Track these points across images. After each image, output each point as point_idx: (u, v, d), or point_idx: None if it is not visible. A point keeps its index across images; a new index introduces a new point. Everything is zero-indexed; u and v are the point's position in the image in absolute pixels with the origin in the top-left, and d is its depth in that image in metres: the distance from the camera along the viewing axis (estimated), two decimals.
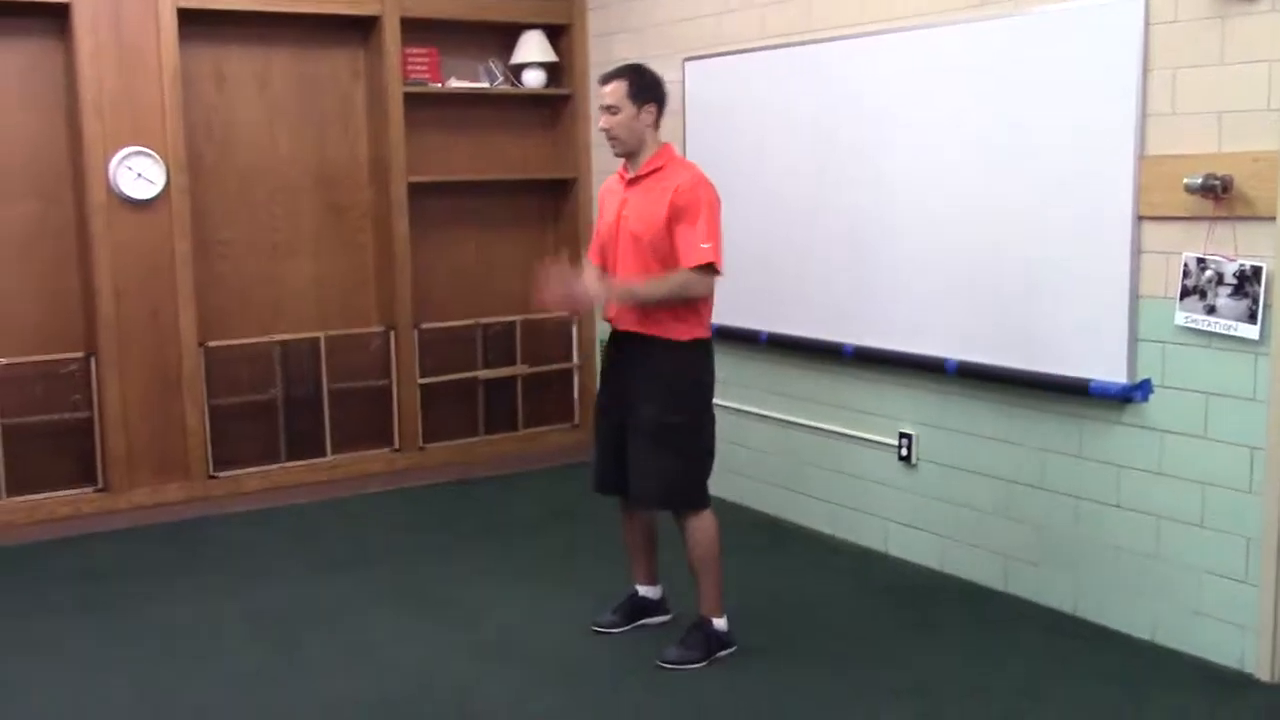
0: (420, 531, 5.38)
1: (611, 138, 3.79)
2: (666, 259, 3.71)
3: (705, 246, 3.64)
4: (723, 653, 3.87)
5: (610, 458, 3.95)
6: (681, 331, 3.76)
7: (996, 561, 4.44)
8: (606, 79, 3.81)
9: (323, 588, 4.64)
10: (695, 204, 3.67)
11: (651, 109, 3.78)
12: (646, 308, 3.73)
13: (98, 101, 5.24)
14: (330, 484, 5.91)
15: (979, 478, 4.48)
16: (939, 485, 4.65)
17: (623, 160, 3.88)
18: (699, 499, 3.83)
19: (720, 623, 3.89)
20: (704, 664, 3.82)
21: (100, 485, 5.44)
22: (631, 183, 3.83)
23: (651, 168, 3.79)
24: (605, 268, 3.90)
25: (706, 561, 3.84)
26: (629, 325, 3.81)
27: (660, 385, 3.76)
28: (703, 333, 3.81)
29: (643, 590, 4.17)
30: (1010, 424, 4.35)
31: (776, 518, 5.37)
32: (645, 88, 3.77)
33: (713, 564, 3.85)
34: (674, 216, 3.68)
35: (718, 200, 3.74)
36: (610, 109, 3.76)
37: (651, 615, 4.16)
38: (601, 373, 4.05)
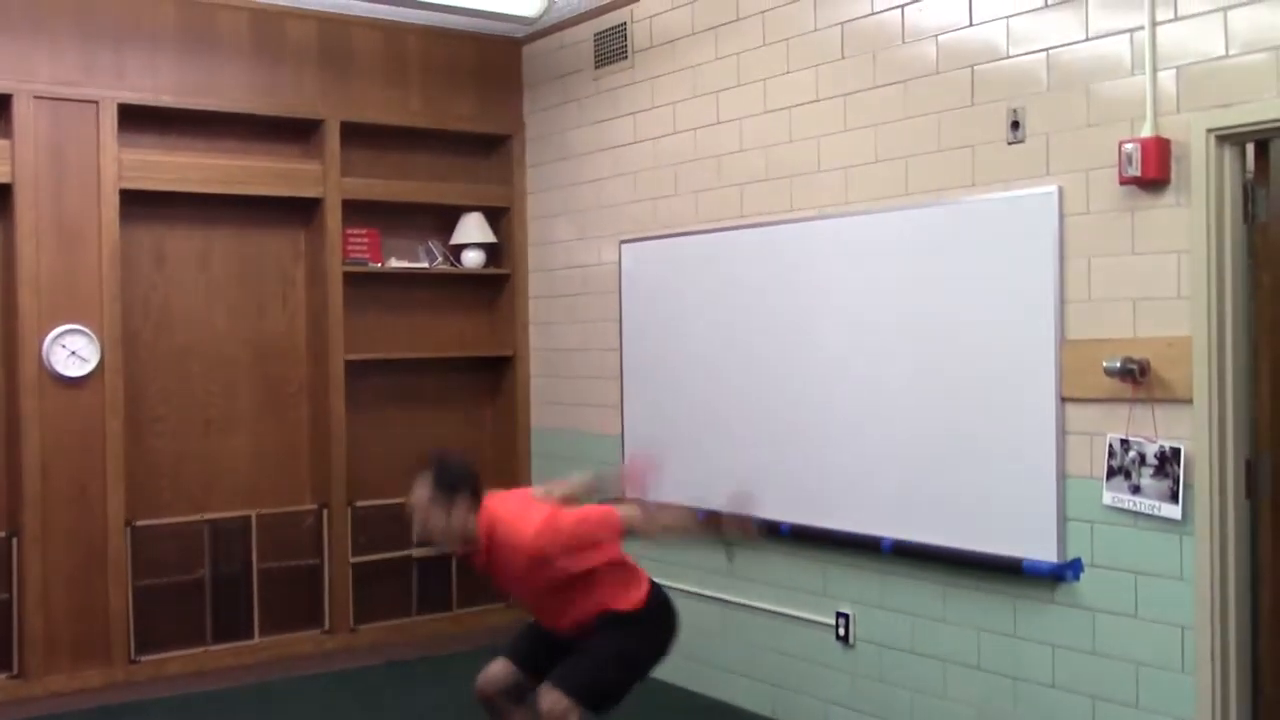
0: (352, 717, 5.22)
1: (429, 540, 3.75)
2: (576, 574, 3.66)
3: (606, 542, 3.64)
4: None
5: (533, 644, 3.89)
6: (619, 608, 3.75)
7: None
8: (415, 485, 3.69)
9: None
10: (556, 548, 3.59)
11: (464, 499, 3.64)
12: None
13: (35, 279, 5.24)
14: (258, 667, 5.74)
15: (917, 658, 4.46)
16: (877, 666, 4.62)
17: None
18: (592, 701, 3.69)
19: None
20: None
21: (15, 671, 5.24)
22: (487, 559, 3.73)
23: (488, 542, 3.67)
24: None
25: None
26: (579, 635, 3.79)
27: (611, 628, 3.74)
28: (636, 601, 3.78)
29: None
30: (946, 603, 4.36)
31: (716, 700, 5.28)
32: (450, 481, 3.64)
33: None
34: (556, 570, 3.62)
35: (558, 525, 3.61)
36: (421, 512, 3.66)
37: None
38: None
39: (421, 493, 3.64)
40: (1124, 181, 3.71)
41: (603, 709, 3.71)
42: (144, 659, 5.48)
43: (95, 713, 5.24)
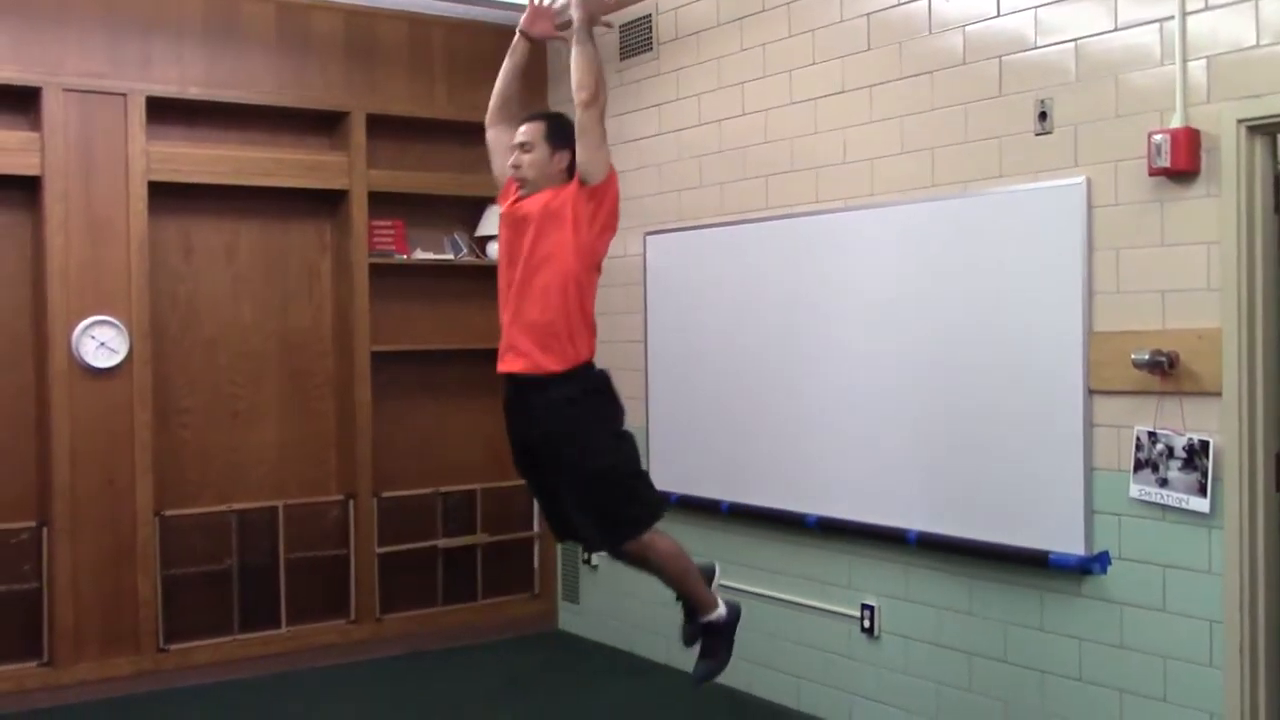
0: (377, 706, 5.25)
1: (519, 176, 3.82)
2: (570, 265, 3.71)
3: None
4: (738, 627, 3.91)
5: (552, 509, 3.94)
6: (569, 355, 3.73)
7: None
8: (525, 120, 3.87)
9: None
10: (611, 200, 3.76)
11: (565, 156, 3.80)
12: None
13: (64, 271, 5.28)
14: (284, 656, 5.77)
15: (942, 650, 4.45)
16: (902, 658, 4.61)
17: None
18: (646, 521, 3.74)
19: (720, 611, 3.87)
20: (731, 657, 3.86)
21: (45, 659, 5.29)
22: (531, 208, 3.81)
23: (557, 191, 3.79)
24: (506, 287, 3.88)
25: (679, 566, 3.77)
26: (517, 366, 3.78)
27: (564, 433, 3.73)
28: (585, 354, 3.79)
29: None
30: (972, 596, 4.35)
31: (740, 691, 5.28)
32: (564, 135, 3.80)
33: (685, 566, 3.79)
34: (605, 211, 3.75)
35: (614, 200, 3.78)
36: (524, 146, 3.81)
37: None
38: (508, 431, 3.96)
39: (534, 132, 3.79)
40: (1153, 173, 3.68)
41: (651, 515, 3.77)
42: (172, 648, 5.53)
43: (124, 700, 5.29)
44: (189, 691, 5.43)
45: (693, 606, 3.96)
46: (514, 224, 3.84)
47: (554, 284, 3.73)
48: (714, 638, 3.86)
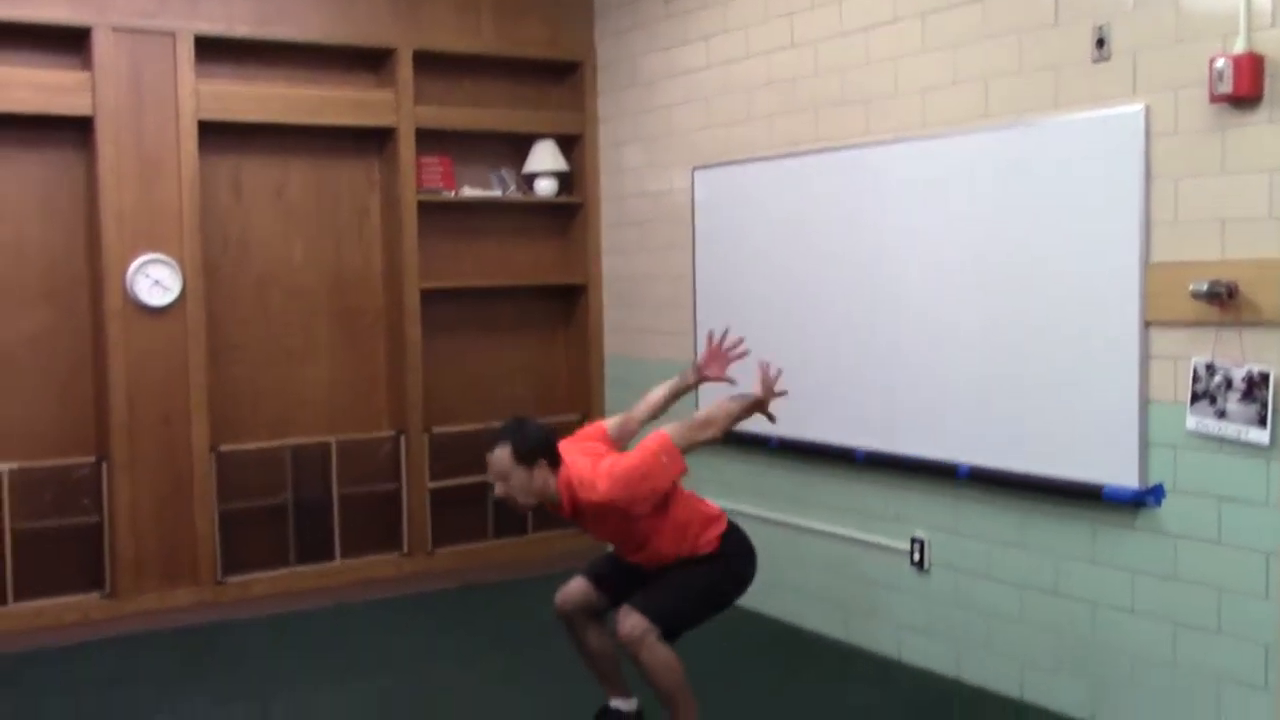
0: (429, 638, 5.34)
1: (518, 507, 3.76)
2: (655, 509, 3.72)
3: (664, 469, 3.66)
4: None
5: (615, 572, 3.95)
6: (700, 547, 3.82)
7: (1012, 669, 4.40)
8: (491, 447, 3.71)
9: (330, 697, 4.59)
10: (629, 491, 3.62)
11: (543, 464, 3.67)
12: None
13: (118, 210, 5.34)
14: (339, 589, 5.88)
15: (992, 583, 4.46)
16: (952, 591, 4.62)
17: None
18: (669, 625, 3.74)
19: None
20: None
21: (108, 591, 5.42)
22: (574, 517, 3.80)
23: (570, 499, 3.71)
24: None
25: (676, 684, 3.71)
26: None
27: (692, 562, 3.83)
28: (711, 547, 3.83)
29: (616, 703, 4.08)
30: (1023, 529, 4.34)
31: (791, 624, 5.32)
32: (530, 449, 3.66)
33: (682, 686, 3.73)
34: (635, 505, 3.66)
35: (618, 474, 3.64)
36: (500, 477, 3.68)
37: None
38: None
39: (502, 462, 3.67)
40: (1214, 100, 3.61)
41: (677, 635, 3.76)
42: (230, 580, 5.64)
43: (185, 631, 5.41)
44: (247, 622, 5.54)
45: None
46: (585, 526, 3.87)
47: (660, 545, 3.79)
48: None
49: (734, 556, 3.89)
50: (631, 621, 3.66)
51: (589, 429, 4.10)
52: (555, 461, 3.71)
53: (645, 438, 3.76)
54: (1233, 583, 3.68)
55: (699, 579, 3.81)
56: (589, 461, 3.74)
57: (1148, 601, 3.93)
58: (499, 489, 3.71)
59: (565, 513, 3.77)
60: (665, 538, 3.78)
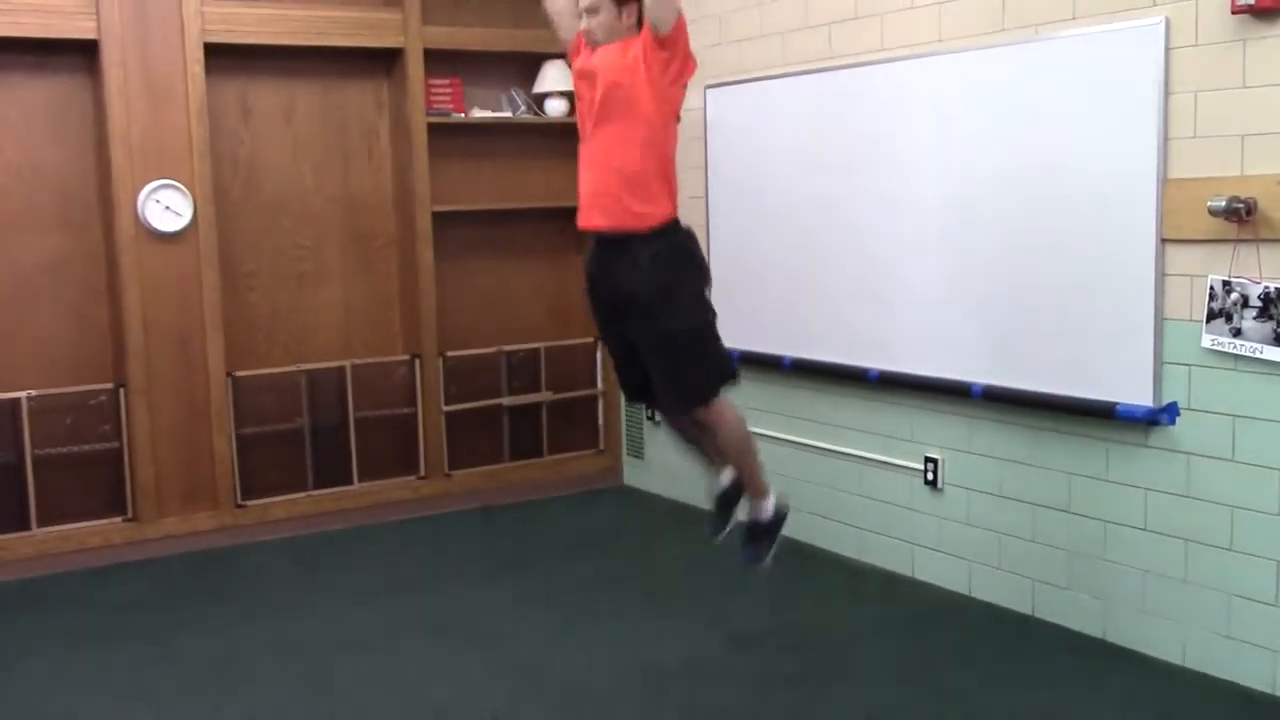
0: (447, 559, 5.40)
1: (591, 41, 3.72)
2: (648, 114, 3.62)
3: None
4: (787, 518, 3.90)
5: (629, 370, 3.91)
6: (653, 213, 3.65)
7: (1024, 586, 4.43)
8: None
9: (351, 617, 4.66)
10: (684, 39, 3.62)
11: (632, 10, 3.68)
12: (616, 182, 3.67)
13: (126, 135, 5.31)
14: (357, 512, 5.94)
15: (1005, 501, 4.48)
16: (965, 510, 4.64)
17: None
18: (720, 383, 3.74)
19: (771, 501, 3.88)
20: (776, 546, 3.85)
21: (129, 515, 5.48)
22: (605, 60, 3.72)
23: (626, 45, 3.68)
24: (586, 142, 3.80)
25: (743, 441, 3.79)
26: (602, 222, 3.72)
27: (652, 293, 3.66)
28: (672, 210, 3.71)
29: (724, 478, 4.04)
30: (1036, 448, 4.34)
31: (803, 543, 5.36)
32: None
33: (748, 443, 3.81)
34: (681, 56, 3.62)
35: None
36: (590, 9, 3.67)
37: (739, 498, 4.05)
38: (588, 288, 3.90)
39: None
40: (1236, 10, 3.53)
41: (729, 378, 3.76)
42: (249, 503, 5.70)
43: (206, 554, 5.49)
44: (267, 545, 5.62)
45: (742, 487, 3.95)
46: (588, 79, 3.75)
47: (634, 135, 3.64)
48: (758, 532, 3.85)
49: (683, 246, 3.76)
50: (700, 415, 3.72)
51: None
52: (640, 10, 3.66)
53: (666, 20, 3.60)
54: (1245, 500, 3.69)
55: (685, 336, 3.68)
56: None
57: (1160, 520, 3.95)
58: (584, 23, 3.70)
59: (603, 58, 3.68)
60: (627, 163, 3.65)
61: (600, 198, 3.72)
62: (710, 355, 3.73)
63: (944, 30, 4.53)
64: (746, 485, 3.87)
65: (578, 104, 3.87)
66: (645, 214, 3.65)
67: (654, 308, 3.66)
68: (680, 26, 3.60)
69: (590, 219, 3.77)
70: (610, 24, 3.68)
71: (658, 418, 3.95)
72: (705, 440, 3.97)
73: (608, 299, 3.81)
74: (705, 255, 3.85)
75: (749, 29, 5.46)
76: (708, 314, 3.75)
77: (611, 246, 3.74)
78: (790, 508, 3.93)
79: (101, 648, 4.41)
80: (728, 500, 4.05)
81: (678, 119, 3.75)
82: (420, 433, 6.10)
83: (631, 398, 4.05)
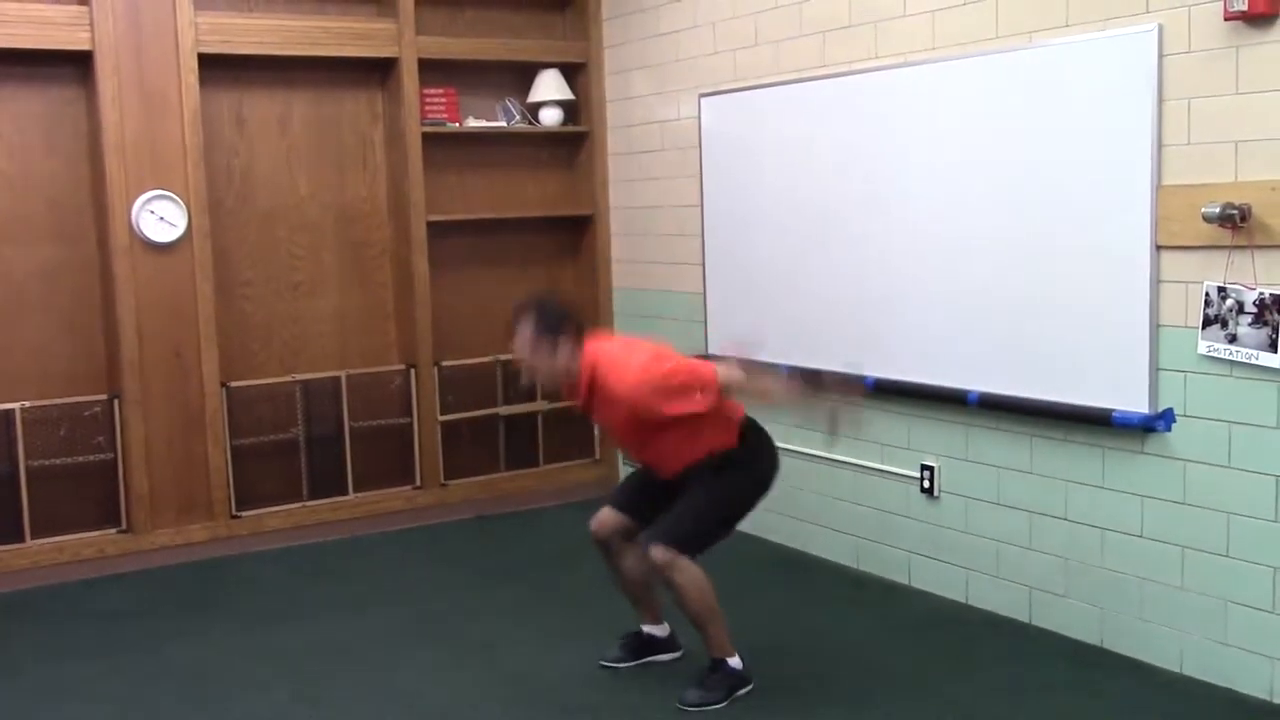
0: (442, 569, 5.39)
1: (538, 381, 3.83)
2: (674, 419, 3.69)
3: (698, 397, 3.64)
4: (741, 690, 3.84)
5: (650, 489, 3.95)
6: (715, 448, 3.79)
7: (1021, 593, 4.42)
8: (514, 319, 3.77)
9: (346, 627, 4.64)
10: (654, 393, 3.62)
11: (567, 338, 3.73)
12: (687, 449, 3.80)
13: (120, 145, 5.30)
14: (352, 522, 5.92)
15: (1002, 509, 4.47)
16: (961, 517, 4.63)
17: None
18: (696, 547, 3.77)
19: (735, 661, 3.86)
20: (725, 704, 3.79)
21: (124, 526, 5.46)
22: (587, 398, 3.79)
23: (587, 382, 3.74)
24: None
25: (706, 605, 3.77)
26: (676, 475, 3.86)
27: (700, 476, 3.81)
28: (731, 440, 3.81)
29: (649, 629, 4.15)
30: (1032, 455, 4.34)
31: (801, 551, 5.35)
32: (552, 323, 3.72)
33: (712, 607, 3.79)
34: (651, 412, 3.65)
35: (657, 368, 3.65)
36: (525, 349, 3.74)
37: (661, 652, 4.15)
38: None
39: (525, 332, 3.72)
40: (1229, 17, 3.54)
41: (704, 550, 3.79)
42: (244, 514, 5.68)
43: (201, 564, 5.47)
44: (262, 556, 5.60)
45: (658, 649, 4.13)
46: (587, 410, 3.85)
47: (666, 447, 3.78)
48: (718, 678, 3.82)
49: (753, 462, 3.87)
50: (657, 553, 3.71)
51: (621, 337, 4.11)
52: (579, 338, 3.74)
53: (690, 359, 3.77)
54: (1242, 507, 3.68)
55: (720, 493, 3.80)
56: (622, 348, 3.80)
57: (1157, 526, 3.94)
58: (521, 363, 3.76)
59: (581, 394, 3.77)
60: (673, 443, 3.78)
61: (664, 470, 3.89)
62: (716, 520, 3.81)
63: (937, 38, 4.53)
64: (712, 646, 3.84)
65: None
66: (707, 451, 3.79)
67: (699, 478, 3.81)
68: (658, 410, 3.64)
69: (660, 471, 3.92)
70: (549, 364, 3.74)
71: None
72: (645, 590, 4.05)
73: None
74: (762, 456, 3.92)
75: (744, 38, 5.46)
76: (740, 499, 3.86)
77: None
78: (751, 685, 3.87)
79: (96, 659, 4.39)
80: (644, 647, 4.13)
81: (700, 390, 3.69)
82: (416, 442, 6.09)
83: (615, 505, 4.02)
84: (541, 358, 3.72)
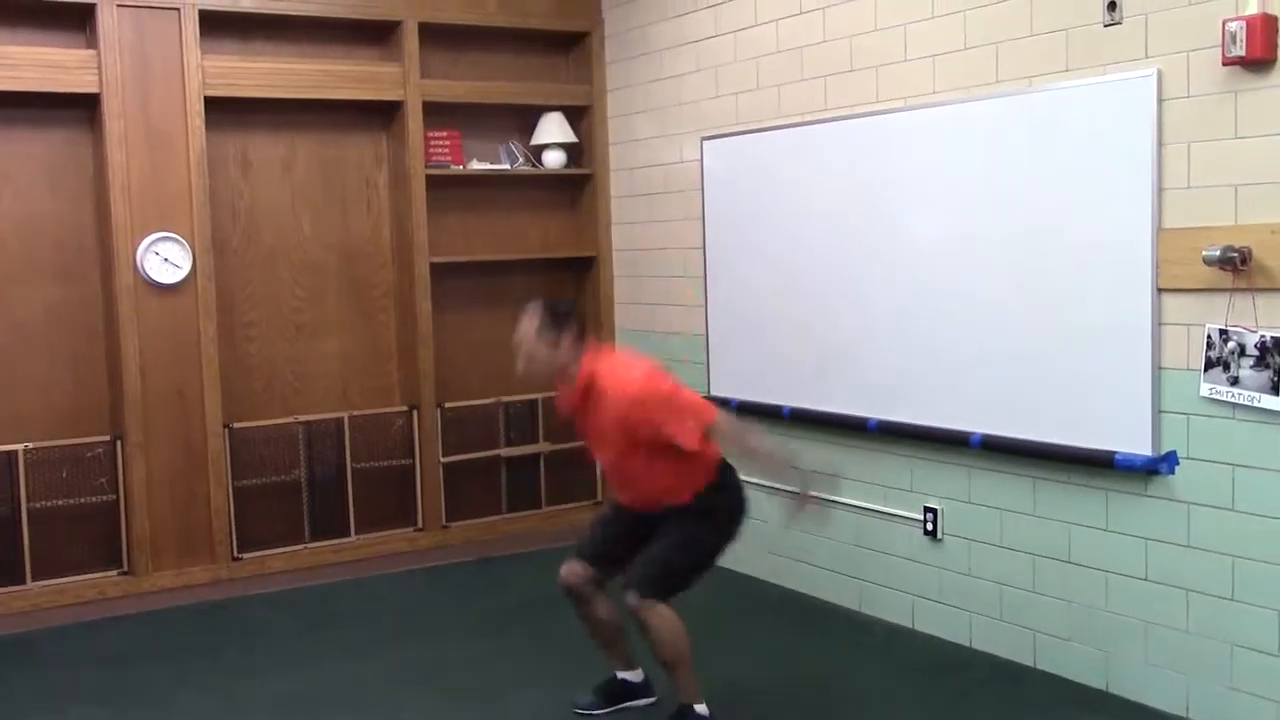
0: (444, 611, 5.36)
1: (533, 375, 3.83)
2: (657, 442, 3.68)
3: (691, 425, 3.63)
4: None
5: (616, 535, 3.95)
6: (690, 494, 3.79)
7: (1026, 637, 4.40)
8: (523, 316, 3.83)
9: (348, 670, 4.62)
10: (653, 406, 3.63)
11: (567, 335, 3.76)
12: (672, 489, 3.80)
13: (125, 186, 5.33)
14: (354, 564, 5.90)
15: (1006, 552, 4.45)
16: (965, 560, 4.62)
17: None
18: (671, 591, 3.76)
19: (701, 708, 3.83)
20: None
21: (125, 568, 5.44)
22: (579, 403, 3.81)
23: (584, 384, 3.76)
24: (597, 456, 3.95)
25: (678, 650, 3.75)
26: (647, 508, 3.86)
27: (693, 517, 3.82)
28: (708, 479, 3.81)
29: (622, 674, 4.13)
30: (1036, 497, 4.33)
31: (803, 594, 5.33)
32: (554, 322, 3.76)
33: (684, 652, 3.77)
34: (644, 426, 3.65)
35: (660, 383, 3.69)
36: (526, 342, 3.78)
37: (635, 698, 4.12)
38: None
39: (528, 324, 3.76)
40: (1227, 62, 3.57)
41: (676, 594, 3.78)
42: (246, 556, 5.67)
43: (202, 607, 5.45)
44: (264, 598, 5.58)
45: (636, 694, 4.12)
46: (576, 415, 3.87)
47: (644, 474, 3.78)
48: None
49: (730, 506, 3.88)
50: (632, 600, 3.72)
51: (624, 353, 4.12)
52: (582, 339, 3.78)
53: (690, 391, 3.78)
54: (1246, 550, 3.67)
55: (698, 538, 3.79)
56: (623, 360, 3.86)
57: (1161, 569, 3.92)
58: (519, 359, 3.78)
59: (574, 397, 3.77)
60: (652, 473, 3.76)
61: (637, 500, 3.90)
62: (688, 568, 3.80)
63: (938, 82, 4.56)
64: (683, 691, 3.84)
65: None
66: (684, 492, 3.80)
67: (677, 521, 3.80)
68: (651, 427, 3.65)
69: (627, 501, 3.94)
70: (547, 359, 3.77)
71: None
72: (617, 636, 4.05)
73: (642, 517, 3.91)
74: (739, 499, 3.93)
75: (746, 81, 5.50)
76: (713, 544, 3.84)
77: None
78: None
79: (97, 704, 4.36)
80: (617, 694, 4.11)
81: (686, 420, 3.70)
82: (418, 484, 6.08)
83: (582, 557, 4.00)
84: (541, 349, 3.75)
